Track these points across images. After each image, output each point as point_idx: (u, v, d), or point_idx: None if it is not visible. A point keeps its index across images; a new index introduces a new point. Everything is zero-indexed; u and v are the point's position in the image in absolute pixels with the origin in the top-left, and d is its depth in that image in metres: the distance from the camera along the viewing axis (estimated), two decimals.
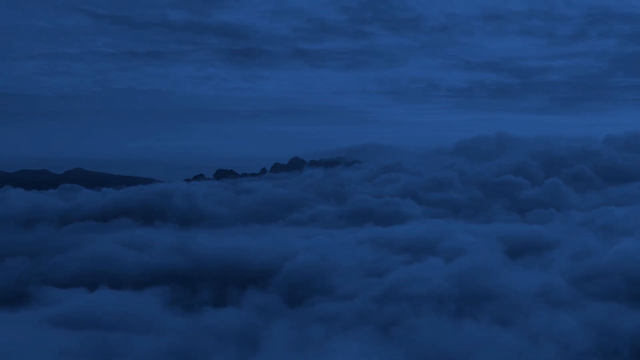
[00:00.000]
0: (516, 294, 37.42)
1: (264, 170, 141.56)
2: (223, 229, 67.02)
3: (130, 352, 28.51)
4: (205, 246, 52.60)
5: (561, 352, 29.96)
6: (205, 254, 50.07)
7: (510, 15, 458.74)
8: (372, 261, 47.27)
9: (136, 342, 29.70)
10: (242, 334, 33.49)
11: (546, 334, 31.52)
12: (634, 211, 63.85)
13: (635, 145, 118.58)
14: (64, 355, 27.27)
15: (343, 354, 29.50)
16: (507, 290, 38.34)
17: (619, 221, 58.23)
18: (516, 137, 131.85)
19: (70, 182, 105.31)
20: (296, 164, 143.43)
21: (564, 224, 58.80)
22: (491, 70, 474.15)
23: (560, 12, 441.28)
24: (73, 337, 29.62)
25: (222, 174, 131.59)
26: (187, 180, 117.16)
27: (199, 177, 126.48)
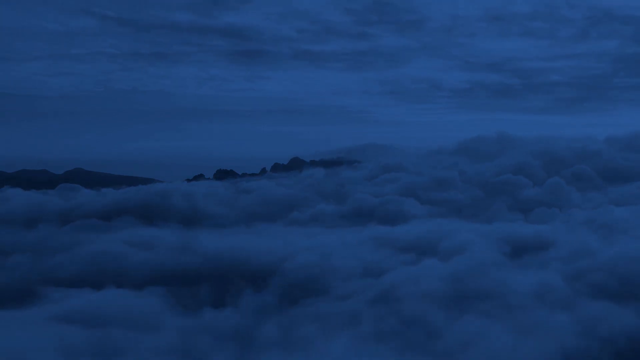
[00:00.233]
0: (515, 294, 37.38)
1: (264, 170, 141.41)
2: (223, 229, 66.96)
3: (131, 350, 28.46)
4: (206, 246, 52.55)
5: (554, 350, 29.99)
6: (206, 254, 50.03)
7: (513, 17, 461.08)
8: (372, 261, 47.17)
9: (137, 340, 29.66)
10: (241, 334, 33.59)
11: (540, 333, 31.54)
12: (635, 211, 63.75)
13: (636, 145, 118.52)
14: (68, 354, 27.25)
15: (336, 354, 29.53)
16: (505, 289, 38.28)
17: (620, 221, 58.09)
18: (517, 137, 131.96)
19: (70, 182, 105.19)
20: (296, 164, 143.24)
21: (566, 223, 58.59)
22: (493, 71, 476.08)
23: (563, 14, 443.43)
24: (76, 335, 29.78)
25: (222, 174, 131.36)
26: (187, 180, 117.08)
27: (199, 177, 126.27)
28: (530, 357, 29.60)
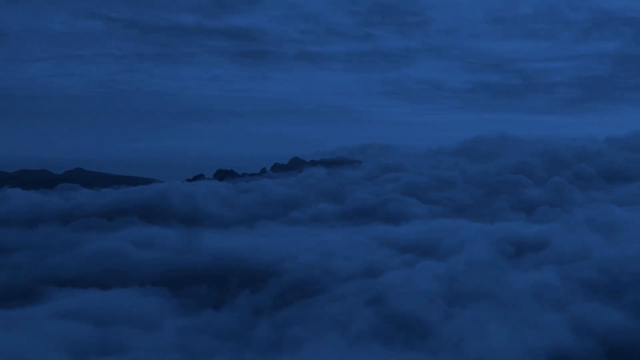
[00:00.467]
0: (512, 293, 37.41)
1: (264, 170, 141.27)
2: (223, 229, 66.84)
3: (131, 349, 28.42)
4: (206, 246, 52.45)
5: (547, 349, 30.03)
6: (206, 254, 49.88)
7: (516, 19, 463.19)
8: (372, 260, 47.07)
9: (137, 339, 29.63)
10: (239, 334, 33.59)
11: (535, 332, 31.54)
12: (637, 211, 63.68)
13: (637, 145, 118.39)
14: (69, 352, 27.28)
15: (333, 354, 29.60)
16: (503, 289, 38.32)
17: (621, 221, 57.99)
18: (518, 137, 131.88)
19: (70, 182, 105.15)
20: (296, 164, 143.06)
21: (568, 223, 58.47)
22: (495, 72, 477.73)
23: (565, 16, 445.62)
24: (77, 334, 29.90)
25: (222, 174, 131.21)
26: (187, 180, 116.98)
27: (199, 177, 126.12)
28: (524, 356, 29.60)
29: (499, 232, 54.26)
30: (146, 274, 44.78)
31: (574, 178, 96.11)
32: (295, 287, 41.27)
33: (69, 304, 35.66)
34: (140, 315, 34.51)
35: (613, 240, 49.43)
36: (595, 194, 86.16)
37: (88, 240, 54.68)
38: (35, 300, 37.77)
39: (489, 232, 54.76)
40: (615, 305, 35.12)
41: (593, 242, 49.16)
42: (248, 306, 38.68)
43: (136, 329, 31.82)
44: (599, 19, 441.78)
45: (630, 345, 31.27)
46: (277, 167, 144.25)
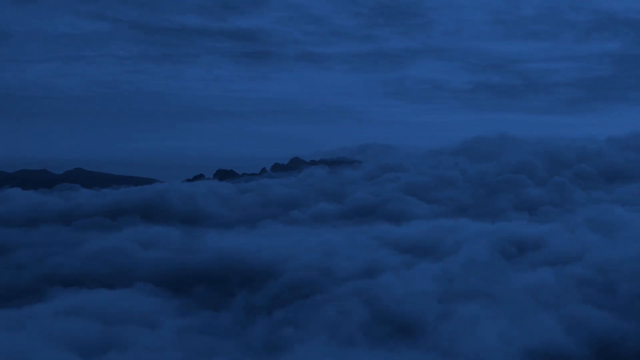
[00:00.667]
0: (508, 293, 37.33)
1: (264, 170, 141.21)
2: (223, 229, 66.76)
3: (132, 348, 28.44)
4: (206, 246, 52.40)
5: (540, 349, 30.03)
6: (206, 254, 49.84)
7: (518, 21, 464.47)
8: (372, 260, 46.97)
9: (137, 339, 29.65)
10: (237, 334, 33.62)
11: (529, 333, 31.52)
12: (637, 211, 63.60)
13: (637, 145, 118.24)
14: (71, 351, 27.31)
15: (330, 355, 29.57)
16: (499, 289, 38.25)
17: (621, 221, 57.94)
18: (518, 137, 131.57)
19: (70, 182, 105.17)
20: (296, 164, 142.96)
21: (569, 223, 58.39)
22: (496, 73, 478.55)
23: (567, 17, 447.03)
24: (79, 333, 29.99)
25: (222, 174, 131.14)
26: (187, 180, 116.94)
27: (199, 177, 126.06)
28: (517, 356, 29.64)
29: (499, 231, 54.13)
30: (146, 274, 44.77)
31: (574, 178, 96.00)
32: (295, 287, 41.14)
33: (71, 303, 35.71)
34: (141, 315, 34.53)
35: (614, 241, 49.38)
36: (596, 193, 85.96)
37: (89, 240, 54.79)
38: (38, 299, 37.79)
39: (490, 231, 54.68)
40: (611, 306, 34.96)
41: (594, 242, 49.07)
42: (248, 306, 38.66)
43: (137, 328, 31.86)
44: (601, 20, 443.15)
45: (624, 347, 31.15)
46: (277, 167, 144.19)
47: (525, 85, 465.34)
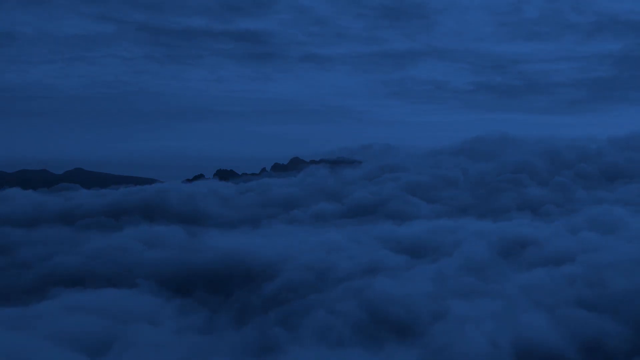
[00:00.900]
0: (512, 293, 37.30)
1: (264, 170, 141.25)
2: (224, 229, 66.69)
3: (131, 347, 28.44)
4: (206, 245, 52.28)
5: (530, 351, 30.03)
6: (206, 253, 49.72)
7: (521, 23, 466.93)
8: (372, 260, 46.86)
9: (136, 338, 29.66)
10: (238, 334, 33.63)
11: (526, 333, 31.50)
12: (637, 211, 63.52)
13: (638, 145, 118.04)
14: (72, 350, 27.32)
15: (329, 355, 29.60)
16: (497, 289, 38.29)
17: (622, 221, 57.90)
18: (519, 137, 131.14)
19: (70, 182, 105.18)
20: (296, 164, 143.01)
21: (570, 223, 58.33)
22: (498, 73, 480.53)
23: (569, 19, 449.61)
24: (82, 332, 30.05)
25: (222, 174, 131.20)
26: (187, 180, 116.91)
27: (199, 177, 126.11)
28: (511, 356, 29.66)
29: (500, 231, 54.12)
30: (149, 272, 44.74)
31: (575, 177, 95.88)
32: (295, 286, 41.10)
33: (74, 302, 35.80)
34: (143, 313, 34.56)
35: (614, 241, 49.33)
36: (597, 193, 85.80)
37: (90, 240, 54.81)
38: (42, 298, 37.88)
39: (490, 231, 54.61)
40: (609, 307, 34.80)
41: (594, 242, 48.99)
42: (247, 306, 38.62)
43: (139, 326, 31.90)
44: (602, 22, 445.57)
45: (618, 349, 31.08)
46: (277, 167, 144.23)
47: (526, 86, 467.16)
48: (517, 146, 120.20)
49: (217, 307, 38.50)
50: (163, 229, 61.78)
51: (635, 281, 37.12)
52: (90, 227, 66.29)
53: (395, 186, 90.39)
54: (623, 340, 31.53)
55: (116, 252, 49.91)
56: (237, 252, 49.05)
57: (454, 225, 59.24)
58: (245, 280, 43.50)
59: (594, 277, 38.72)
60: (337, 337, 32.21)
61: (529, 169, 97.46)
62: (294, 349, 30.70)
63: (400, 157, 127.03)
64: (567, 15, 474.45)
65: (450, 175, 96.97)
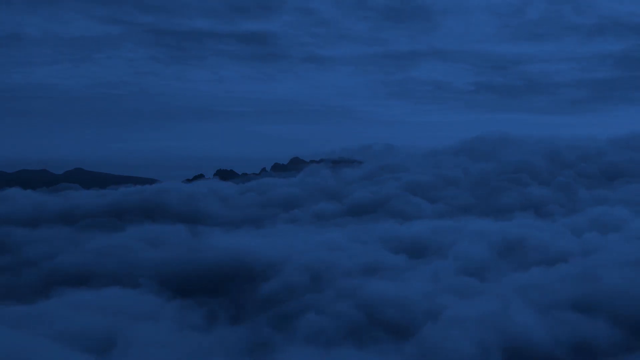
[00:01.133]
0: (511, 293, 37.01)
1: (264, 170, 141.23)
2: (224, 229, 66.68)
3: (131, 347, 28.47)
4: (206, 245, 52.26)
5: (524, 351, 30.05)
6: (206, 253, 49.71)
7: (523, 24, 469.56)
8: (372, 260, 46.89)
9: (136, 338, 29.68)
10: (238, 334, 33.53)
11: (521, 333, 31.46)
12: (637, 211, 63.55)
13: (638, 145, 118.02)
14: (72, 349, 27.36)
15: (328, 355, 29.55)
16: (493, 289, 38.20)
17: (623, 221, 57.98)
18: (520, 137, 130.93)
19: (70, 182, 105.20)
20: (296, 164, 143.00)
21: (571, 222, 58.41)
22: (498, 74, 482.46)
23: (571, 21, 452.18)
24: (84, 331, 30.13)
25: (222, 174, 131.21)
26: (187, 180, 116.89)
27: (199, 177, 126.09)
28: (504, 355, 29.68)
29: (502, 231, 54.10)
30: (149, 272, 44.70)
31: (576, 177, 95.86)
32: (294, 286, 41.10)
33: (77, 300, 35.85)
34: (144, 313, 34.56)
35: (615, 241, 49.34)
36: (598, 193, 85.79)
37: (92, 239, 54.83)
38: (44, 296, 37.90)
39: (491, 231, 54.59)
40: (607, 308, 34.65)
41: (595, 242, 49.07)
42: (247, 305, 38.63)
43: (139, 326, 31.87)
44: (604, 24, 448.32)
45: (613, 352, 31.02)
46: (277, 167, 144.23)
47: (527, 86, 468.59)
48: (518, 146, 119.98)
49: (218, 307, 38.45)
50: (166, 228, 61.80)
51: (634, 281, 37.10)
52: (91, 226, 66.29)
53: (396, 186, 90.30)
54: (617, 341, 31.48)
55: (119, 251, 49.98)
56: (237, 252, 49.04)
57: (456, 225, 59.23)
58: (245, 280, 43.52)
59: (594, 277, 38.70)
60: (334, 337, 32.22)
61: (529, 168, 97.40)
62: (294, 349, 30.70)
63: (401, 157, 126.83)
64: (569, 16, 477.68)
65: (451, 175, 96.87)
